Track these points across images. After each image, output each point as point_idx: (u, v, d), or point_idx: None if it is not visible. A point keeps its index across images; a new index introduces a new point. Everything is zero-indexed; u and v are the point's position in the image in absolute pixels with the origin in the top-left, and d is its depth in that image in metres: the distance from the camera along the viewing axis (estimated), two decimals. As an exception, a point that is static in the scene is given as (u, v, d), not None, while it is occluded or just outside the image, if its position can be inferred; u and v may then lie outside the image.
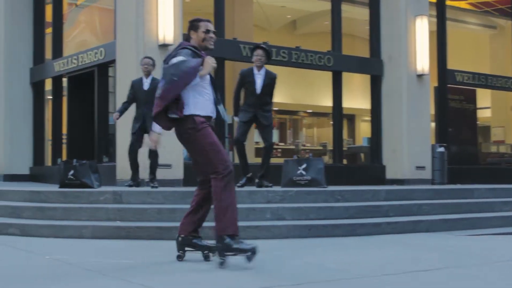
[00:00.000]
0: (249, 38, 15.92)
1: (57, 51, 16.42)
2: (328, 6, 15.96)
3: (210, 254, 6.04)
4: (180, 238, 6.16)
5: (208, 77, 6.02)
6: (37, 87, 16.96)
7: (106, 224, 8.10)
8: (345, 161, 16.52)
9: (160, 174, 11.09)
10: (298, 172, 9.57)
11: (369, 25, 16.08)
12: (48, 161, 16.72)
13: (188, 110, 5.88)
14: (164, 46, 12.19)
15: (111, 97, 14.32)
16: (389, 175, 15.39)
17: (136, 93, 10.39)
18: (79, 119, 15.48)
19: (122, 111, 10.45)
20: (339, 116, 15.59)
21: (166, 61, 6.02)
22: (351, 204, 8.90)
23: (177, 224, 7.84)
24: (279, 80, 19.81)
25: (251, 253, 5.69)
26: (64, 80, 16.06)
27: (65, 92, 16.17)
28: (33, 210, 8.83)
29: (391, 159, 15.46)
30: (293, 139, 22.21)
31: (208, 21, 6.15)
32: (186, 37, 6.19)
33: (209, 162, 5.83)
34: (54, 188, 9.93)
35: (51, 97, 16.85)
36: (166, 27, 12.34)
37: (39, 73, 16.73)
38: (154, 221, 8.16)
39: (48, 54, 16.83)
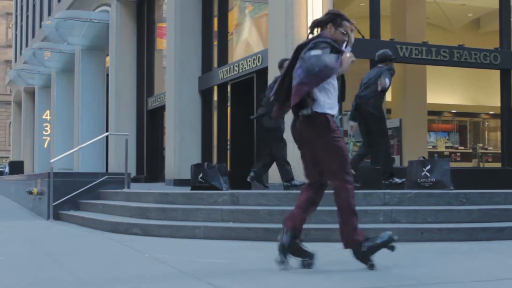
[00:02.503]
0: (421, 38, 15.44)
1: (222, 59, 16.95)
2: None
3: (312, 261, 5.68)
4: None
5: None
6: (205, 95, 17.60)
7: (217, 225, 8.22)
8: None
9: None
10: (423, 173, 9.09)
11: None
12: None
13: (320, 108, 5.57)
14: (314, 49, 12.09)
15: (270, 102, 14.48)
16: None
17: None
18: (241, 125, 15.78)
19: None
20: (508, 117, 14.70)
21: (301, 49, 5.67)
22: (476, 207, 8.27)
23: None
24: (452, 81, 19.05)
25: (392, 242, 5.51)
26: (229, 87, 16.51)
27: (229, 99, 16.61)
28: (157, 211, 9.18)
29: None
30: (473, 143, 21.23)
31: (354, 24, 5.79)
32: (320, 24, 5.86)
33: (336, 166, 5.54)
34: (183, 190, 10.22)
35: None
36: (316, 31, 12.24)
37: (206, 81, 17.35)
38: (264, 223, 8.14)
39: (216, 62, 17.44)
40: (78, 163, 24.85)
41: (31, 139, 35.03)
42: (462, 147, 21.13)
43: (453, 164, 19.69)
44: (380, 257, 5.60)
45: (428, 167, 9.02)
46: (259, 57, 14.52)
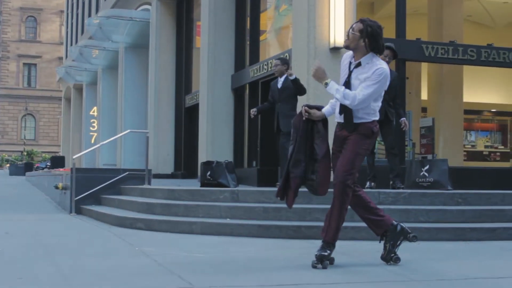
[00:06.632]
0: (458, 36, 15.38)
1: (254, 58, 17.09)
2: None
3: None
4: None
5: None
6: (238, 93, 17.77)
7: (213, 221, 8.41)
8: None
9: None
10: (421, 173, 9.09)
11: None
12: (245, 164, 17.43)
13: None
14: (335, 49, 12.19)
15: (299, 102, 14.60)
16: None
17: (272, 93, 10.51)
18: (271, 123, 15.87)
19: (260, 108, 10.69)
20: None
21: None
22: (470, 207, 8.26)
23: (280, 223, 8.04)
24: (492, 80, 18.84)
25: None
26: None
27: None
28: (162, 207, 9.43)
29: None
30: (513, 142, 21.00)
31: None
32: None
33: None
34: (191, 187, 10.42)
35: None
36: (337, 31, 12.34)
37: (238, 79, 17.52)
38: (258, 220, 8.29)
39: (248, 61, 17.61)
40: (121, 159, 25.36)
41: (79, 134, 35.86)
42: (503, 147, 20.89)
43: (490, 164, 19.59)
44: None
45: (426, 167, 9.03)
46: (286, 55, 14.60)
